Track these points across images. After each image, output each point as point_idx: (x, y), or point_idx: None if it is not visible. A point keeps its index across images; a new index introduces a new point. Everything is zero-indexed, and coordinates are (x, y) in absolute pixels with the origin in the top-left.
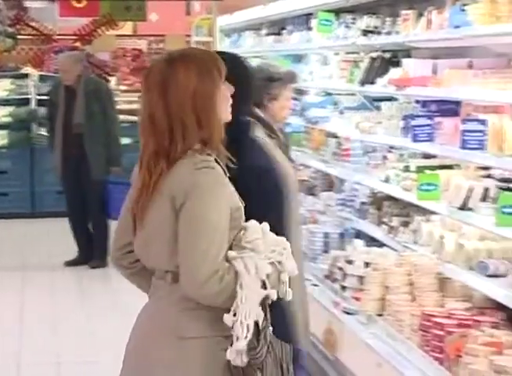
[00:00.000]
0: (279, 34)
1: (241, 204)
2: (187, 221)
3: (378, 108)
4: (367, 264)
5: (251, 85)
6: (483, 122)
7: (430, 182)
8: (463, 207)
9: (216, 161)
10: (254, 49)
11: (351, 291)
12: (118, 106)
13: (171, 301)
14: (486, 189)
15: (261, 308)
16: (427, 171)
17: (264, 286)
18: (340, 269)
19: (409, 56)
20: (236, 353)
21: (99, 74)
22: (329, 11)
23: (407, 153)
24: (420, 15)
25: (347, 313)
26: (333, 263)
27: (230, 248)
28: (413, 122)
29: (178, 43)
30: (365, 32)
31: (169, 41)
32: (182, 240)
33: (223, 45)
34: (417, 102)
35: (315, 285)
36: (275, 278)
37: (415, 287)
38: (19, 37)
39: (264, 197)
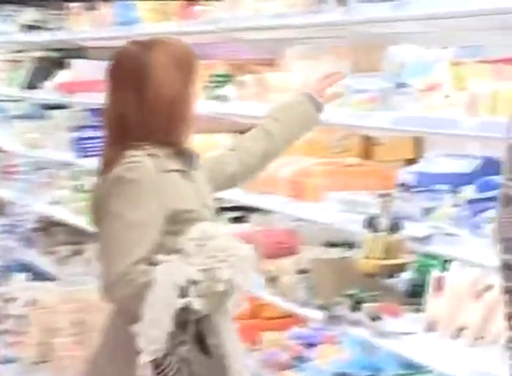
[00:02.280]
0: None
1: (198, 207)
2: (104, 218)
3: (48, 117)
4: (31, 302)
5: None
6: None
7: None
8: None
9: (155, 157)
10: None
11: (12, 334)
12: None
13: None
14: None
15: (179, 319)
16: None
17: (183, 294)
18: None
19: (86, 57)
20: (143, 368)
21: None
22: None
23: (84, 170)
24: (92, 8)
25: (8, 362)
26: None
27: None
28: (80, 134)
29: None
30: (29, 27)
31: None
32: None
33: None
34: (89, 110)
35: None
36: (205, 286)
37: (83, 327)
38: None
39: None
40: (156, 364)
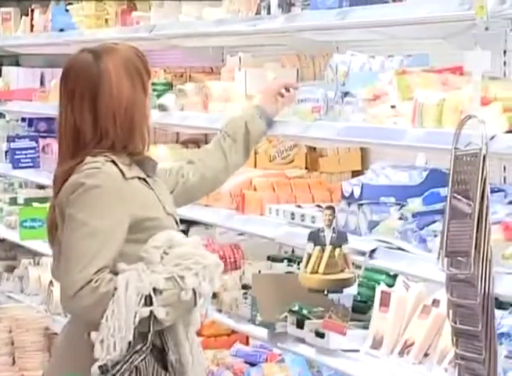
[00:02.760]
0: None
1: (160, 215)
2: (65, 225)
3: None
4: None
5: None
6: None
7: (36, 218)
8: None
9: (115, 164)
10: None
11: None
12: None
13: None
14: None
15: (141, 329)
16: (36, 204)
17: (149, 303)
18: None
19: (17, 64)
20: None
21: None
22: None
23: (18, 182)
24: (26, 14)
25: None
26: None
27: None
28: (14, 145)
29: None
30: None
31: None
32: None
33: None
34: (23, 120)
35: None
36: (171, 295)
37: (16, 347)
38: None
39: None
40: (104, 370)
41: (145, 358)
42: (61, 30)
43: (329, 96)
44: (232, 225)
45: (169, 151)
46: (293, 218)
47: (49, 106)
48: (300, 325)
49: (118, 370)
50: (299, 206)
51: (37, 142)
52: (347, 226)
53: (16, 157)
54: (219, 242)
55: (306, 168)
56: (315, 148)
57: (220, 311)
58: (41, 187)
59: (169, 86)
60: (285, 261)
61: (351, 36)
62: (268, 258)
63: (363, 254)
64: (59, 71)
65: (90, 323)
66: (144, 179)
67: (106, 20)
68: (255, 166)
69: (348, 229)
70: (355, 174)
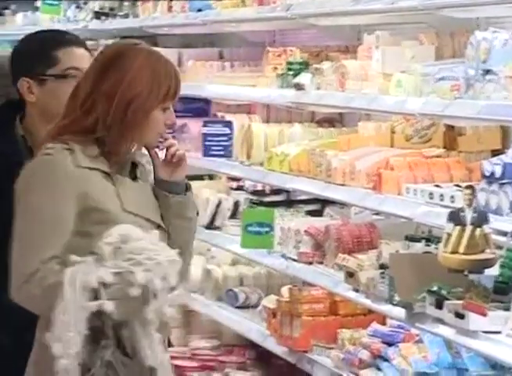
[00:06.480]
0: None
1: (113, 209)
2: (16, 210)
3: None
4: None
5: None
6: (228, 124)
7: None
8: (210, 225)
9: (73, 153)
10: None
11: None
12: None
13: None
14: (236, 204)
15: (96, 323)
16: None
17: (95, 297)
18: None
19: (155, 45)
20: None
21: None
22: None
23: None
24: None
25: None
26: None
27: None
28: None
29: None
30: (99, 14)
31: None
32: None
33: None
34: None
35: None
36: (118, 290)
37: None
38: None
39: None
40: (85, 369)
41: (113, 352)
42: (199, 10)
43: (470, 74)
44: (368, 205)
45: (304, 130)
46: (431, 198)
47: (186, 86)
48: (439, 305)
49: (99, 368)
50: (437, 185)
51: None
52: (488, 206)
53: None
54: (354, 221)
55: (444, 147)
56: (453, 127)
57: (357, 290)
58: None
59: (305, 65)
60: (423, 241)
61: (493, 12)
62: (406, 238)
63: (505, 234)
64: (196, 51)
65: (39, 314)
66: (108, 174)
67: (243, 0)
68: (392, 145)
69: (489, 209)
70: (495, 153)
